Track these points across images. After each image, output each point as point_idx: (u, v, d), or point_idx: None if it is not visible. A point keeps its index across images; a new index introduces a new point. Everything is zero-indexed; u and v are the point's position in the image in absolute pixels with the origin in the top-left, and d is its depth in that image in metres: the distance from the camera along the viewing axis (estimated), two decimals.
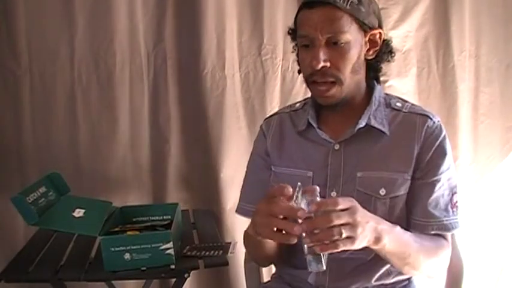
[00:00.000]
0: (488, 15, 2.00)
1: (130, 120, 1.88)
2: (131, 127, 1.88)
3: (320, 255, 0.87)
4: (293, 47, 1.21)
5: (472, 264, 1.87)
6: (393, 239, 0.97)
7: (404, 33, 1.97)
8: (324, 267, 0.88)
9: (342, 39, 1.05)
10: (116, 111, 1.85)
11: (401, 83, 1.99)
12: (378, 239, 0.94)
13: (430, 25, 1.98)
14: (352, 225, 0.87)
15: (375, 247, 0.96)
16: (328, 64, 1.06)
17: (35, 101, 1.81)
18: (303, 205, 0.88)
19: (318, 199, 0.90)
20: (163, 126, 1.90)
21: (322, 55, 1.05)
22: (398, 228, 1.01)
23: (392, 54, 1.18)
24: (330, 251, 0.86)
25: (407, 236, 1.04)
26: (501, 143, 2.07)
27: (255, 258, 1.30)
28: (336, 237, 0.85)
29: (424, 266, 1.09)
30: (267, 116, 1.33)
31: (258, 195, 1.17)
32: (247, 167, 1.30)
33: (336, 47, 1.06)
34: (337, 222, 0.85)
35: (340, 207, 0.87)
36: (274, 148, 1.23)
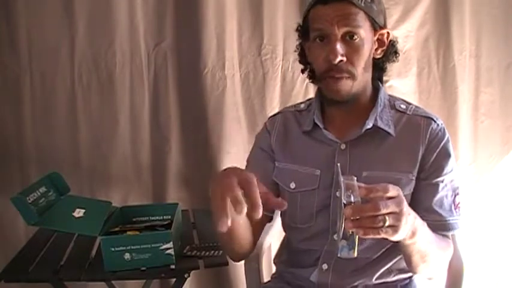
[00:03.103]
0: (489, 15, 2.00)
1: (130, 120, 1.88)
2: (131, 127, 1.88)
3: (354, 241, 0.86)
4: (296, 46, 1.21)
5: (472, 265, 1.87)
6: (423, 236, 0.98)
7: (404, 33, 1.96)
8: (355, 255, 0.87)
9: (358, 34, 1.06)
10: (116, 111, 1.86)
11: (401, 83, 1.99)
12: (413, 233, 0.94)
13: (430, 25, 1.98)
14: (398, 215, 0.86)
15: (408, 241, 0.95)
16: (344, 59, 1.06)
17: (36, 101, 1.82)
18: (352, 198, 0.86)
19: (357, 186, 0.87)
20: (163, 126, 1.89)
21: (339, 49, 1.05)
22: (426, 225, 1.01)
23: (397, 55, 1.19)
24: (371, 237, 0.84)
25: (430, 233, 1.05)
26: (501, 142, 2.07)
27: (227, 245, 1.17)
28: (380, 224, 0.84)
29: (436, 265, 1.10)
30: (271, 114, 1.33)
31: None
32: (247, 160, 1.30)
33: (351, 42, 1.06)
34: (384, 211, 0.84)
35: (389, 194, 0.86)
36: (278, 146, 1.23)
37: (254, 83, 1.93)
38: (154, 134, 1.90)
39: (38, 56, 1.80)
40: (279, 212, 1.28)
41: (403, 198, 0.88)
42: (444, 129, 1.15)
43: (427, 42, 1.99)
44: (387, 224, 0.84)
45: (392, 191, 0.87)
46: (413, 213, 0.92)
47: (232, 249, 1.17)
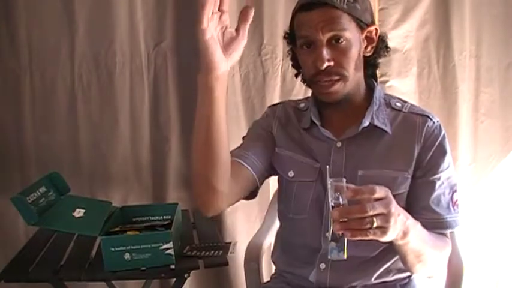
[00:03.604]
0: (489, 15, 2.00)
1: (130, 120, 1.88)
2: (131, 127, 1.88)
3: (344, 243, 0.86)
4: (287, 52, 1.22)
5: (472, 265, 1.87)
6: (416, 235, 0.98)
7: (404, 33, 1.96)
8: (345, 257, 0.87)
9: (344, 36, 1.06)
10: (116, 111, 1.86)
11: (401, 83, 1.98)
12: (405, 234, 0.93)
13: (430, 25, 1.98)
14: (386, 216, 0.86)
15: (400, 242, 0.95)
16: (332, 63, 1.07)
17: (36, 101, 1.82)
18: (340, 200, 0.86)
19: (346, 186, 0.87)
20: (163, 126, 1.90)
21: (325, 54, 1.06)
22: (419, 224, 1.01)
23: (388, 49, 1.18)
24: (358, 238, 0.84)
25: (425, 232, 1.05)
26: (501, 142, 2.07)
27: (199, 157, 1.15)
28: (367, 226, 0.84)
29: (433, 264, 1.10)
30: (270, 104, 1.33)
31: (256, 148, 1.18)
32: (243, 138, 1.27)
33: (337, 45, 1.07)
34: (371, 213, 0.84)
35: (376, 196, 0.86)
36: (279, 131, 1.23)
37: (254, 83, 1.93)
38: (154, 134, 1.90)
39: (38, 56, 1.80)
40: (274, 199, 1.26)
41: (392, 199, 0.88)
42: (440, 127, 1.15)
43: (427, 42, 1.99)
44: (375, 225, 0.84)
45: (380, 192, 0.87)
46: (403, 214, 0.92)
47: (206, 162, 1.12)
